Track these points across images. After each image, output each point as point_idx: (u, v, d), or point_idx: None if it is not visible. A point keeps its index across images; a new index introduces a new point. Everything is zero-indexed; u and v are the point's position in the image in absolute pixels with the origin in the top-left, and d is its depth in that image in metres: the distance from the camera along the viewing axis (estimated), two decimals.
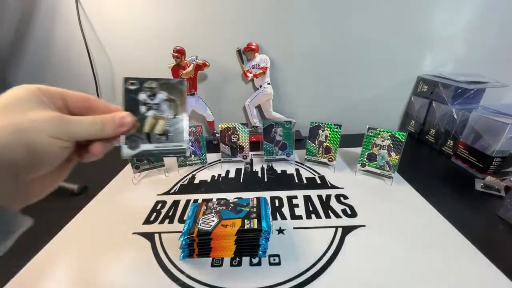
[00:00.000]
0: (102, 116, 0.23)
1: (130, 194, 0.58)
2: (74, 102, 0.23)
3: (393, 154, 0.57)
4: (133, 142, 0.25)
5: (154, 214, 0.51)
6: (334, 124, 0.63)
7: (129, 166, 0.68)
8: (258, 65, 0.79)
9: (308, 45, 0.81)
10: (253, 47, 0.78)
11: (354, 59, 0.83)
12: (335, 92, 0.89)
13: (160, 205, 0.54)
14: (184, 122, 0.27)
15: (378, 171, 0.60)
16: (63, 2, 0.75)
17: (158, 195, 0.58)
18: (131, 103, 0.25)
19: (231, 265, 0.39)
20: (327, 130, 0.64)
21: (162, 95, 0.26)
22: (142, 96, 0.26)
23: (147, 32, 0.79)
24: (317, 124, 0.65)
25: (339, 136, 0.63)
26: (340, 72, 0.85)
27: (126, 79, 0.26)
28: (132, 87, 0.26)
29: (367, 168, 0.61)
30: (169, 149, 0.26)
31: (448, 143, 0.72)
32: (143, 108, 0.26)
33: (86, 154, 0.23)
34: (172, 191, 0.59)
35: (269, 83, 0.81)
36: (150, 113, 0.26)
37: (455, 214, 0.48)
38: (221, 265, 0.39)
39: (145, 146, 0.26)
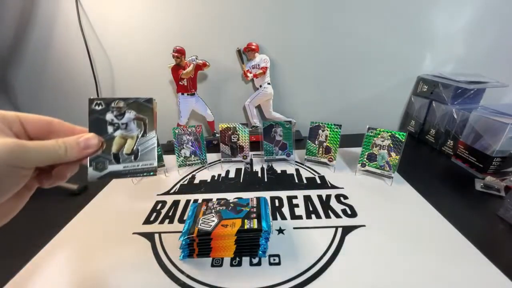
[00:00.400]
0: (65, 139, 0.21)
1: (130, 194, 0.58)
2: (33, 125, 0.21)
3: (393, 154, 0.57)
4: (99, 163, 0.24)
5: (154, 214, 0.51)
6: (334, 124, 0.63)
7: None
8: (258, 65, 0.79)
9: (308, 45, 0.81)
10: (253, 47, 0.78)
11: (354, 59, 0.83)
12: (335, 92, 0.89)
13: (160, 205, 0.54)
14: (154, 140, 0.26)
15: (378, 171, 0.60)
16: (63, 2, 0.75)
17: (158, 195, 0.58)
18: (97, 124, 0.25)
19: (231, 265, 0.39)
20: (327, 130, 0.64)
21: (130, 114, 0.26)
22: (109, 116, 0.25)
23: (147, 32, 0.79)
24: (317, 124, 0.65)
25: (339, 136, 0.63)
26: (340, 72, 0.85)
27: (91, 100, 0.25)
28: (98, 108, 0.25)
29: (367, 168, 0.61)
30: (138, 168, 0.26)
31: (448, 143, 0.72)
32: (110, 128, 0.25)
33: (48, 180, 0.22)
34: (172, 191, 0.59)
35: (269, 83, 0.82)
36: (118, 133, 0.25)
37: (455, 214, 0.48)
38: (221, 265, 0.39)
39: (113, 167, 0.25)
